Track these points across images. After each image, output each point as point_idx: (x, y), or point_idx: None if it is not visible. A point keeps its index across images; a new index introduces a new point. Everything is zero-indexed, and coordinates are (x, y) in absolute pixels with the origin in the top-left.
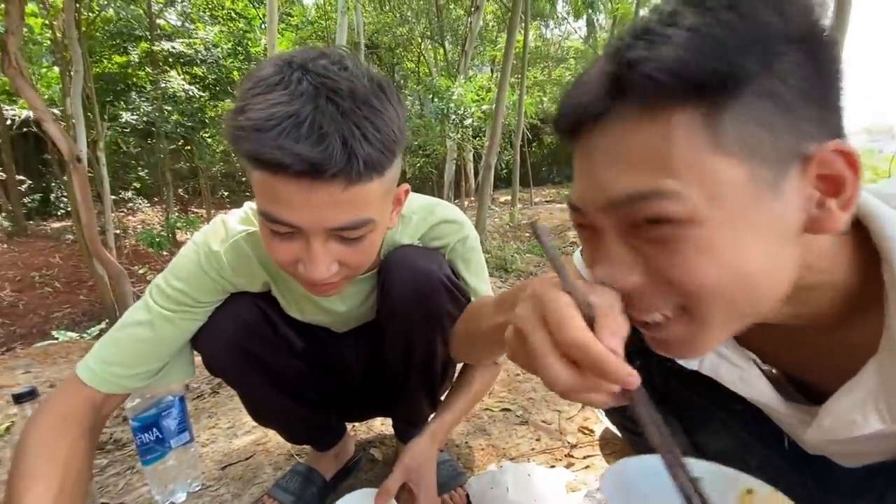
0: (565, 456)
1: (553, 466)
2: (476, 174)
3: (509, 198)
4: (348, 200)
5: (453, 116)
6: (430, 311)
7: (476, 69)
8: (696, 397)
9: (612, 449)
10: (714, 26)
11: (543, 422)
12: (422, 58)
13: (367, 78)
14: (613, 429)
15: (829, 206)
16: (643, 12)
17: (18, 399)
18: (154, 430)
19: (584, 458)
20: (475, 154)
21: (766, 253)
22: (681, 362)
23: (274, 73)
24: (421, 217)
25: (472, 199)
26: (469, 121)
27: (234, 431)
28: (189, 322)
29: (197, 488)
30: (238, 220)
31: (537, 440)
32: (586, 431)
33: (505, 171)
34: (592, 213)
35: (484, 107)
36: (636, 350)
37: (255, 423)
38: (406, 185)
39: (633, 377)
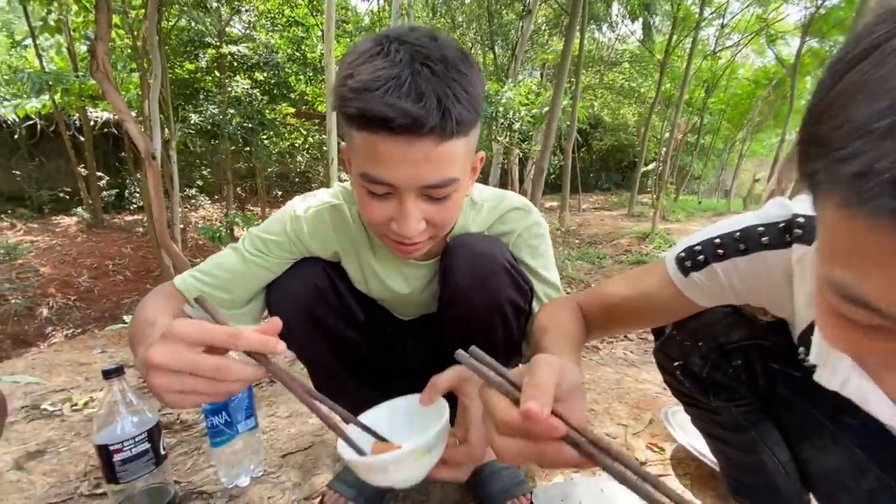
0: None
1: None
2: (521, 179)
3: (555, 203)
4: (439, 157)
5: (502, 120)
6: (490, 294)
7: (527, 74)
8: (805, 406)
9: (685, 470)
10: None
11: (608, 435)
12: None
13: (454, 47)
14: (687, 446)
15: None
16: (707, 12)
17: (107, 375)
18: (223, 413)
19: (657, 476)
20: (520, 158)
21: None
22: (822, 382)
23: (374, 45)
24: (492, 205)
25: (528, 195)
26: (518, 125)
27: (292, 420)
28: (263, 270)
29: (260, 474)
30: (328, 194)
31: None
32: (655, 448)
33: (553, 175)
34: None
35: (534, 111)
36: (737, 349)
37: (311, 414)
38: (482, 153)
39: (554, 428)
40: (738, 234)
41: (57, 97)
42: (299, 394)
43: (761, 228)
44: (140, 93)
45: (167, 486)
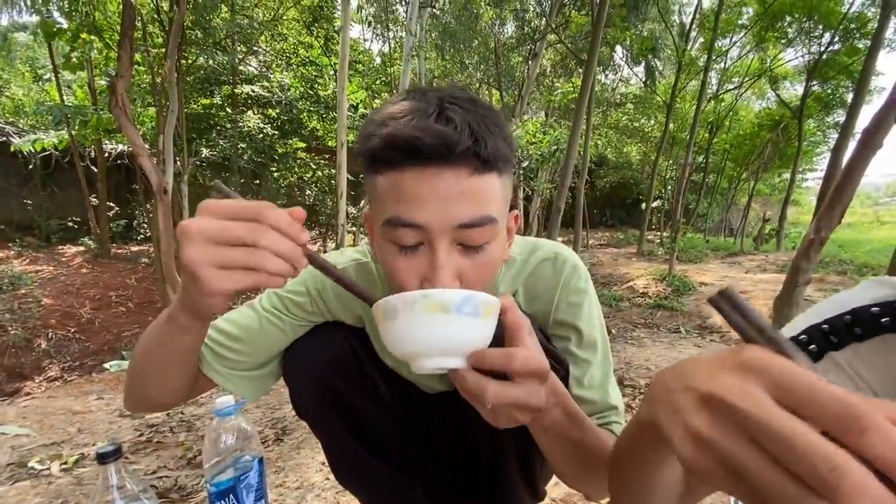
0: None
1: None
2: (527, 215)
3: (564, 239)
4: (473, 191)
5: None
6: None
7: (532, 114)
8: None
9: None
10: None
11: None
12: None
13: (482, 99)
14: None
15: None
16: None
17: (103, 459)
18: (231, 497)
19: None
20: (525, 196)
21: None
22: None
23: (402, 94)
24: (524, 258)
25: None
26: (526, 163)
27: (303, 494)
28: (277, 330)
29: None
30: (355, 252)
31: None
32: None
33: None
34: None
35: (542, 149)
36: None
37: (324, 483)
38: (516, 212)
39: None
40: (849, 316)
41: (74, 130)
42: (334, 275)
43: (875, 309)
44: (155, 127)
45: None
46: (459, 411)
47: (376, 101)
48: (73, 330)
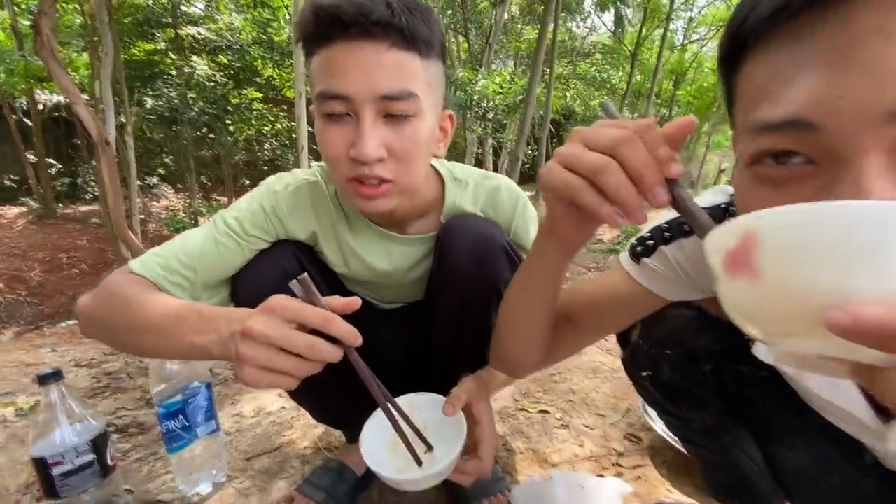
0: (613, 465)
1: (601, 476)
2: (495, 168)
3: (530, 193)
4: (393, 64)
5: (476, 108)
6: (489, 276)
7: (500, 62)
8: (774, 407)
9: (662, 459)
10: None
11: (585, 426)
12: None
13: None
14: (664, 434)
15: None
16: (677, 3)
17: (43, 380)
18: (180, 417)
19: (635, 467)
20: (494, 148)
21: None
22: (760, 356)
23: None
24: (476, 181)
25: None
26: (492, 114)
27: (258, 420)
28: (236, 253)
29: (223, 479)
30: (305, 173)
31: (580, 446)
32: (633, 439)
33: (527, 165)
34: (848, 129)
35: (508, 100)
36: (705, 354)
37: (280, 413)
38: (450, 111)
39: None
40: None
41: (0, 78)
42: (373, 389)
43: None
44: (91, 73)
45: (117, 500)
46: (412, 328)
47: None
48: (23, 294)
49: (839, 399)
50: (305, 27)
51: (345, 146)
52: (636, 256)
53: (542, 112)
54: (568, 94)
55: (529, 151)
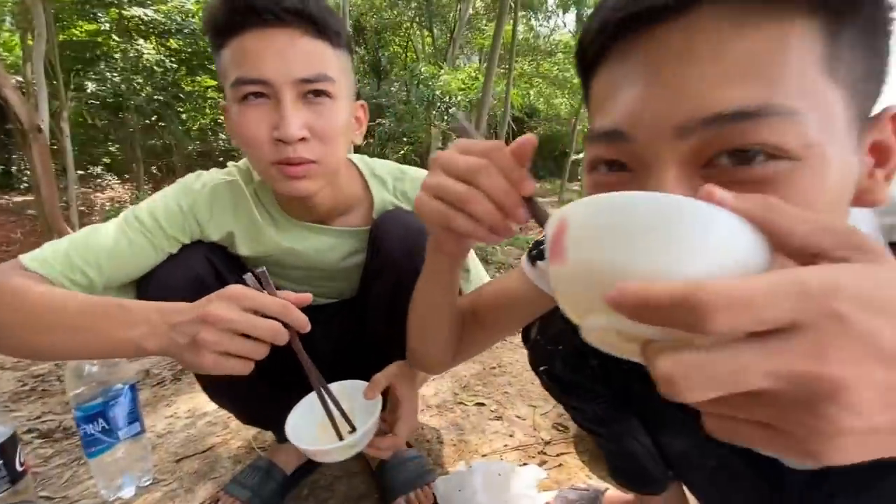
0: (539, 453)
1: (525, 464)
2: None
3: None
4: (306, 50)
5: (439, 104)
6: (420, 266)
7: (465, 58)
8: (656, 398)
9: (585, 447)
10: None
11: (518, 417)
12: (409, 43)
13: None
14: None
15: (877, 177)
16: None
17: None
18: (100, 420)
19: (558, 455)
20: None
21: (831, 213)
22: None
23: None
24: (395, 177)
25: None
26: (454, 109)
27: (193, 421)
28: (148, 251)
29: (147, 483)
30: (222, 173)
31: (510, 436)
32: (560, 428)
33: None
34: (648, 140)
35: (470, 96)
36: (592, 351)
37: (216, 413)
38: (363, 102)
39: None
40: None
41: None
42: (311, 373)
43: None
44: (23, 54)
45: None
46: (342, 326)
47: None
48: None
49: None
50: (216, 18)
51: (267, 129)
52: (532, 259)
53: (502, 110)
54: (532, 91)
55: None
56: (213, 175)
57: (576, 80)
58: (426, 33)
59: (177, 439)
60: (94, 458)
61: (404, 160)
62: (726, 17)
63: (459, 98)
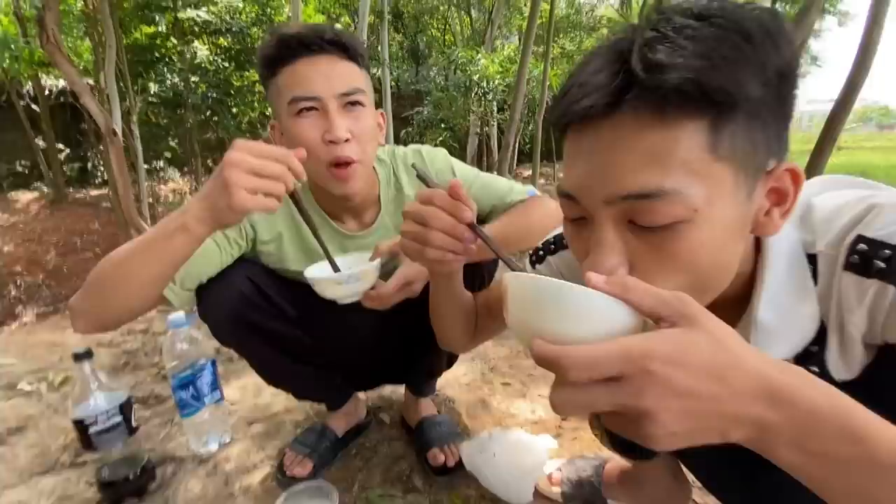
0: (556, 427)
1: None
2: (500, 148)
3: (529, 173)
4: (343, 71)
5: (476, 89)
6: None
7: (503, 39)
8: None
9: (599, 424)
10: (725, 46)
11: (540, 396)
12: (447, 26)
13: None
14: None
15: (773, 215)
16: None
17: (77, 358)
18: (190, 388)
19: (574, 429)
20: (499, 128)
21: (734, 249)
22: None
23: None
24: (395, 157)
25: (494, 173)
26: (491, 95)
27: (259, 392)
28: (209, 247)
29: (227, 440)
30: None
31: (532, 412)
32: None
33: (528, 145)
34: (590, 205)
35: (508, 79)
36: None
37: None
38: (382, 110)
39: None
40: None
41: (5, 64)
42: (307, 218)
43: None
44: (94, 60)
45: (140, 452)
46: (363, 317)
47: (336, 26)
48: (41, 276)
49: None
50: (272, 52)
51: (319, 134)
52: (532, 263)
53: (536, 94)
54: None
55: (532, 131)
56: None
57: None
58: (464, 15)
59: (247, 406)
60: (187, 419)
61: (443, 146)
62: (638, 120)
63: (497, 82)
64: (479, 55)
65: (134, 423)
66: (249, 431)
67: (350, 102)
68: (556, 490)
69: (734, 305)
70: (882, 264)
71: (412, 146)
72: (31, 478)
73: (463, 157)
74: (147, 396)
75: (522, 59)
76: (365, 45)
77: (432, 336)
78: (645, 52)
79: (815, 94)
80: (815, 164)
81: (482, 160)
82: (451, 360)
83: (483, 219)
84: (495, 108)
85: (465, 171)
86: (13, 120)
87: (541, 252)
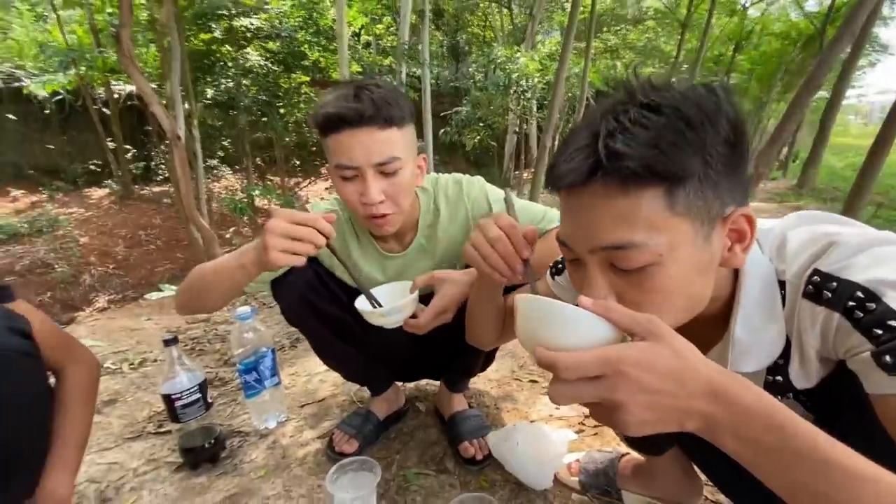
0: (578, 423)
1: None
2: (537, 144)
3: None
4: (381, 140)
5: (515, 87)
6: None
7: (544, 34)
8: None
9: None
10: (670, 133)
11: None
12: (487, 22)
13: (387, 82)
14: None
15: (735, 250)
16: None
17: (167, 343)
18: (254, 372)
19: (595, 426)
20: (539, 127)
21: (703, 281)
22: None
23: (335, 88)
24: (438, 185)
25: (533, 169)
26: (530, 93)
27: (309, 379)
28: None
29: (283, 419)
30: (325, 203)
31: (557, 408)
32: None
33: None
34: (578, 252)
35: (548, 77)
36: None
37: (325, 374)
38: (424, 155)
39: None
40: None
41: (81, 71)
42: (346, 266)
43: None
44: (160, 67)
45: (213, 425)
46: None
47: (378, 26)
48: (112, 266)
49: None
50: (321, 122)
51: (357, 195)
52: (552, 275)
53: (574, 92)
54: (619, 63)
55: (571, 126)
56: (322, 205)
57: (667, 48)
58: (504, 11)
59: (299, 391)
60: (251, 399)
61: (480, 145)
62: (607, 191)
63: (537, 79)
64: (519, 53)
65: (209, 400)
66: (302, 412)
67: (385, 173)
68: (574, 479)
69: (717, 324)
70: (829, 294)
71: (453, 175)
72: (124, 442)
73: (501, 156)
74: (213, 379)
75: (562, 56)
76: (409, 102)
77: (462, 344)
78: (607, 142)
79: (885, 83)
80: (877, 156)
81: (520, 159)
82: (486, 362)
83: None
84: (535, 107)
85: (499, 198)
86: (87, 122)
87: (560, 264)
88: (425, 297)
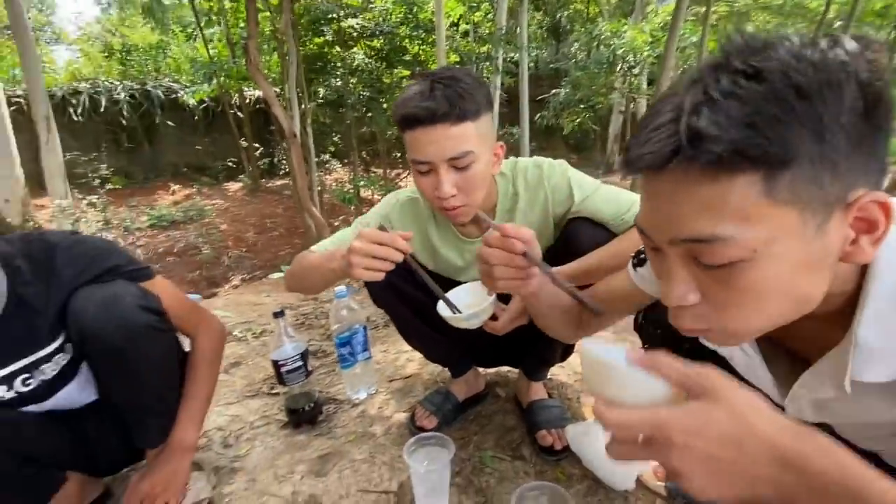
0: None
1: None
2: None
3: None
4: (453, 136)
5: (621, 64)
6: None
7: (658, 2)
8: (728, 372)
9: None
10: (773, 107)
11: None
12: None
13: (464, 72)
14: None
15: (862, 243)
16: None
17: (276, 315)
18: (348, 346)
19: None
20: (648, 105)
21: (811, 279)
22: (708, 345)
23: (410, 82)
24: (517, 169)
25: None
26: (637, 69)
27: (398, 356)
28: None
29: (373, 391)
30: (408, 191)
31: None
32: None
33: None
34: (658, 241)
35: (658, 50)
36: (684, 336)
37: (411, 353)
38: (501, 143)
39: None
40: None
41: (221, 80)
42: (423, 277)
43: None
44: (280, 73)
45: (313, 391)
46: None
47: (476, 14)
48: (244, 250)
49: (751, 375)
50: (399, 120)
51: (432, 188)
52: (634, 266)
53: (692, 64)
54: (750, 28)
55: None
56: (406, 192)
57: (813, 5)
58: None
59: (388, 367)
60: (345, 371)
61: (580, 128)
62: (688, 177)
63: (647, 53)
64: (626, 26)
65: (309, 369)
66: (389, 386)
67: (458, 168)
68: (661, 483)
69: (837, 321)
70: None
71: (535, 159)
72: (244, 399)
73: (604, 138)
74: (316, 350)
75: (673, 24)
76: (486, 89)
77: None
78: (691, 119)
79: None
80: None
81: (625, 141)
82: (566, 352)
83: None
84: (644, 83)
85: (583, 183)
86: (226, 125)
87: (642, 255)
88: (504, 295)
